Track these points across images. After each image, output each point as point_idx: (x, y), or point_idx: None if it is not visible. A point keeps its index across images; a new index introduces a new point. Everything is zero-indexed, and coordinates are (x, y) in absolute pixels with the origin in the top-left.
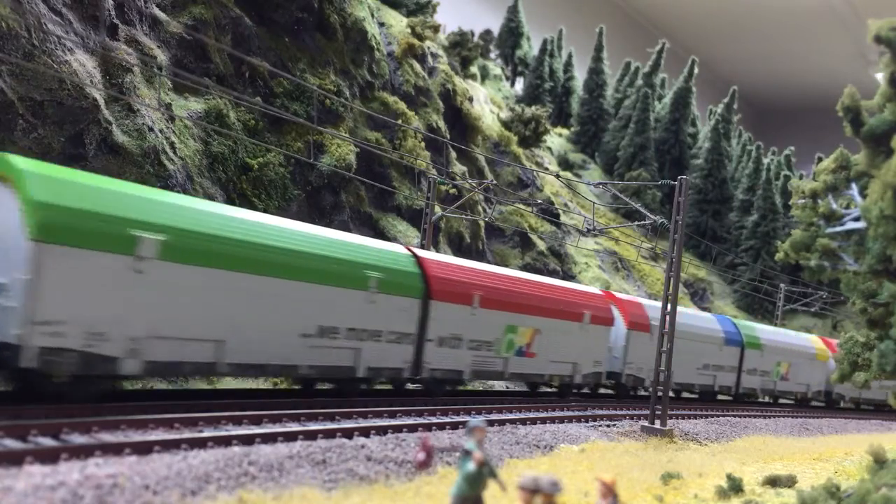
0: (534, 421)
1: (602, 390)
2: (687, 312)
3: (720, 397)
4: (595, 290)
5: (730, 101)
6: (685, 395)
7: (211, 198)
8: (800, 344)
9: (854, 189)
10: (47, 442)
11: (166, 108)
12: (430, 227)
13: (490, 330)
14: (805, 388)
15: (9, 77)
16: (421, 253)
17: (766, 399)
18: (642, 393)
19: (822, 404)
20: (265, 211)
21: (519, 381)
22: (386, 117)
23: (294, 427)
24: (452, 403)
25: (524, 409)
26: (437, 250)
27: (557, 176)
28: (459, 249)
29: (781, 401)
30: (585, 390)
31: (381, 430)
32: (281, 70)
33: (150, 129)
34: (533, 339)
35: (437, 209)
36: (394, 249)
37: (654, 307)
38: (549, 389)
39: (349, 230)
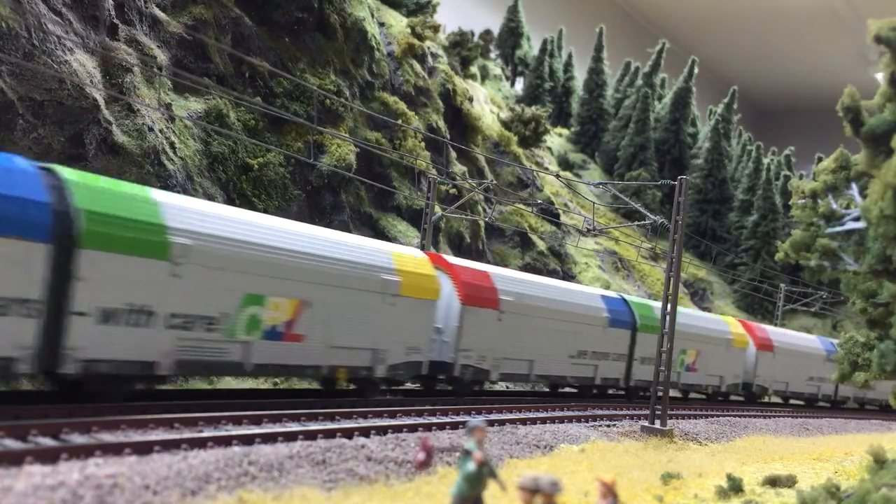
0: (534, 421)
1: None
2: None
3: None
4: None
5: (730, 101)
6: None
7: (211, 198)
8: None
9: (854, 189)
10: (47, 442)
11: (166, 108)
12: (430, 227)
13: None
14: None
15: (9, 77)
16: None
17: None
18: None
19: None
20: (265, 211)
21: None
22: (386, 117)
23: (294, 427)
24: (452, 403)
25: (524, 409)
26: (438, 250)
27: (557, 176)
28: (459, 249)
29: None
30: None
31: (381, 430)
32: (281, 70)
33: (150, 129)
34: None
35: (437, 209)
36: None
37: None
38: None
39: (349, 230)
